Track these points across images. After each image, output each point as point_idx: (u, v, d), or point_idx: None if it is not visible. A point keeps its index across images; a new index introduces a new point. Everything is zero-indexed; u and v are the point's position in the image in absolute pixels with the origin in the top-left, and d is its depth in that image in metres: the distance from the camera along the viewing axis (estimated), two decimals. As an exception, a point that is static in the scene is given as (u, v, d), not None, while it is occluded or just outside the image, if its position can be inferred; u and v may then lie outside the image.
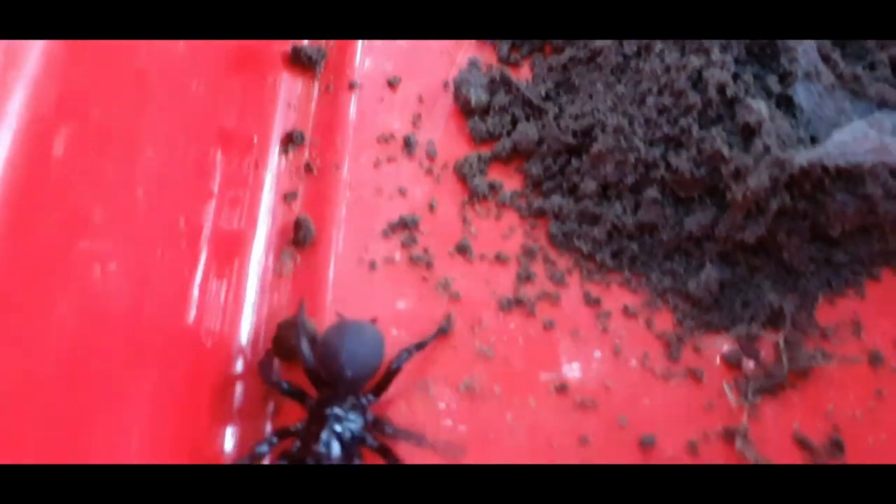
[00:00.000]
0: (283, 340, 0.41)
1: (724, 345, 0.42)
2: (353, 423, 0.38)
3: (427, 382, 0.41)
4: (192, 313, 0.39)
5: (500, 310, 0.43)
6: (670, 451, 0.40)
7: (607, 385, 0.41)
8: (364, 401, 0.39)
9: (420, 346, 0.41)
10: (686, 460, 0.40)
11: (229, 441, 0.40)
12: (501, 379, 0.42)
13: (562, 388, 0.41)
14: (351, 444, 0.38)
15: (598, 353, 0.42)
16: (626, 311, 0.43)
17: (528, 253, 0.44)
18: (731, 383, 0.41)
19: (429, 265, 0.44)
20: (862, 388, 0.41)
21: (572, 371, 0.42)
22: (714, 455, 0.40)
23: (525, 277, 0.44)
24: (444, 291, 0.43)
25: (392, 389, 0.40)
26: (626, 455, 0.40)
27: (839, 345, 0.42)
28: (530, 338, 0.42)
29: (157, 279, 0.37)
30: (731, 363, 0.42)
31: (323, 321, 0.42)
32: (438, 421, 0.41)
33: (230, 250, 0.43)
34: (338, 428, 0.38)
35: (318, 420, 0.38)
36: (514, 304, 0.43)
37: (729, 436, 0.40)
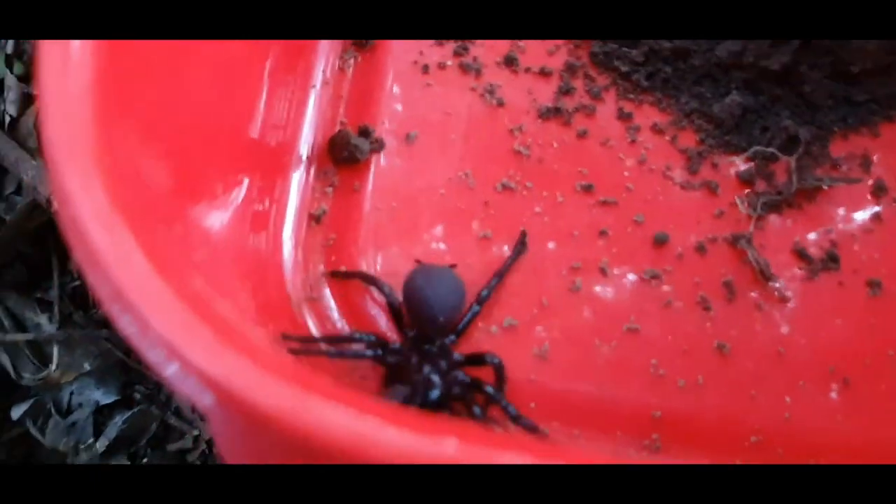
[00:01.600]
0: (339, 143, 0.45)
1: (740, 164, 0.46)
2: (443, 360, 0.41)
3: (469, 174, 0.46)
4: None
5: (539, 117, 0.47)
6: (680, 249, 0.45)
7: (629, 187, 0.46)
8: (447, 342, 0.41)
9: (499, 276, 0.43)
10: (694, 258, 0.44)
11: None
12: (534, 177, 0.46)
13: (587, 188, 0.46)
14: (447, 379, 0.40)
15: (624, 160, 0.46)
16: (655, 128, 0.47)
17: (570, 69, 0.48)
18: (742, 197, 0.46)
19: (478, 73, 0.48)
20: (863, 213, 0.45)
21: (598, 174, 0.46)
22: (719, 256, 0.45)
23: (565, 91, 0.48)
24: (490, 97, 0.48)
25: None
26: (639, 248, 0.45)
27: (849, 173, 0.46)
28: (564, 143, 0.47)
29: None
30: (745, 180, 0.46)
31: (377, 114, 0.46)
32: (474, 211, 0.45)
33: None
34: (434, 365, 0.40)
35: (417, 353, 0.40)
36: (553, 112, 0.47)
37: (735, 240, 0.45)
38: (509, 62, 0.48)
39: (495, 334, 0.43)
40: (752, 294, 0.44)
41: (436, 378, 0.40)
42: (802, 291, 0.44)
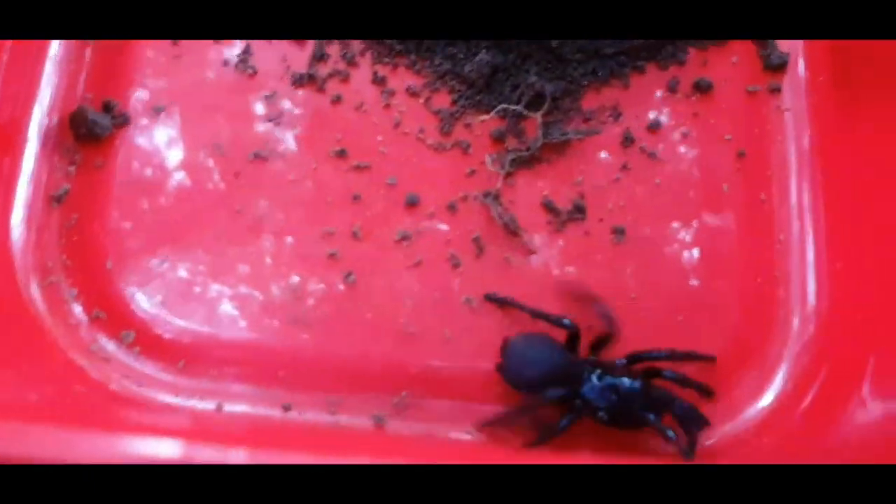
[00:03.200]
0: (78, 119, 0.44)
1: (492, 123, 0.47)
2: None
3: (221, 145, 0.46)
4: None
5: (293, 84, 0.47)
6: (432, 209, 0.46)
7: (382, 151, 0.46)
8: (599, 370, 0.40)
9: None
10: (445, 217, 0.45)
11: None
12: (288, 144, 0.46)
13: (341, 153, 0.46)
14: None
15: (379, 124, 0.47)
16: (409, 91, 0.48)
17: (324, 35, 0.48)
18: (493, 155, 0.47)
19: (230, 42, 0.48)
20: (610, 164, 0.47)
21: (352, 139, 0.46)
22: (469, 214, 0.46)
23: (319, 57, 0.48)
24: (243, 66, 0.47)
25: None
26: (392, 211, 0.45)
27: (598, 126, 0.47)
28: (318, 110, 0.47)
29: None
30: (496, 139, 0.47)
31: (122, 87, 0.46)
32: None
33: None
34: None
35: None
36: (307, 79, 0.47)
37: (486, 198, 0.46)
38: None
39: (258, 300, 0.44)
40: (501, 249, 0.45)
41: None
42: (549, 243, 0.45)
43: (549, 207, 0.46)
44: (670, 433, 0.38)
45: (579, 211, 0.46)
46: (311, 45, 0.48)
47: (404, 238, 0.45)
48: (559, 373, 0.40)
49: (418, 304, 0.44)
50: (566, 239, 0.46)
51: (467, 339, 0.44)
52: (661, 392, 0.40)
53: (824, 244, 0.45)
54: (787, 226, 0.46)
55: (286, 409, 0.42)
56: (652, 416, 0.39)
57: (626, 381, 0.40)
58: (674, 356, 0.42)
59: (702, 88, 0.48)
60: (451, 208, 0.46)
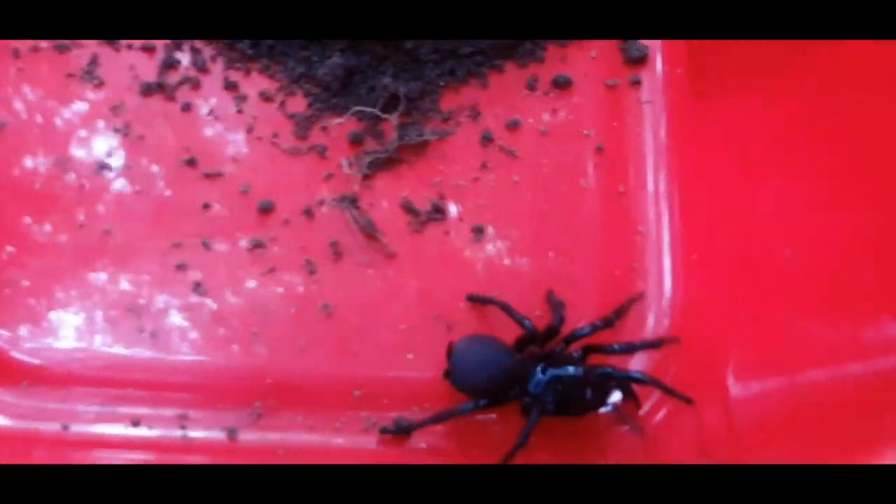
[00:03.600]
0: None
1: (349, 125, 0.46)
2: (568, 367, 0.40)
3: (65, 160, 0.44)
4: None
5: (141, 93, 0.46)
6: (286, 215, 0.45)
7: (235, 158, 0.45)
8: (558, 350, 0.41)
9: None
10: (300, 223, 0.44)
11: None
12: (135, 155, 0.45)
13: (191, 162, 0.45)
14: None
15: (231, 131, 0.46)
16: (263, 95, 0.47)
17: (175, 43, 0.47)
18: (350, 158, 0.46)
19: (76, 54, 0.46)
20: (469, 163, 0.46)
21: (203, 147, 0.45)
22: (327, 218, 0.45)
23: (169, 65, 0.47)
24: (89, 77, 0.46)
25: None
26: (244, 218, 0.44)
27: (457, 126, 0.47)
28: (168, 118, 0.46)
29: None
30: (354, 141, 0.46)
31: None
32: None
33: None
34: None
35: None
36: (156, 88, 0.46)
37: (341, 202, 0.45)
38: (110, 41, 0.47)
39: (102, 315, 0.43)
40: (359, 253, 0.44)
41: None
42: (409, 244, 0.45)
43: (408, 209, 0.45)
44: (613, 409, 0.39)
45: (438, 211, 0.45)
46: (160, 53, 0.47)
47: (257, 245, 0.44)
48: (506, 374, 0.40)
49: (272, 312, 0.43)
50: (426, 240, 0.45)
51: (323, 347, 0.43)
52: (599, 370, 0.40)
53: (680, 236, 0.45)
54: (644, 218, 0.46)
55: (135, 423, 0.41)
56: (598, 398, 0.39)
57: (570, 369, 0.40)
58: (605, 324, 0.42)
59: (560, 84, 0.48)
60: (308, 213, 0.45)
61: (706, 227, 0.44)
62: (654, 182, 0.46)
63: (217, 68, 0.47)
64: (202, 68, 0.47)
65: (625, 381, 0.39)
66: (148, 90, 0.46)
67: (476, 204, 0.46)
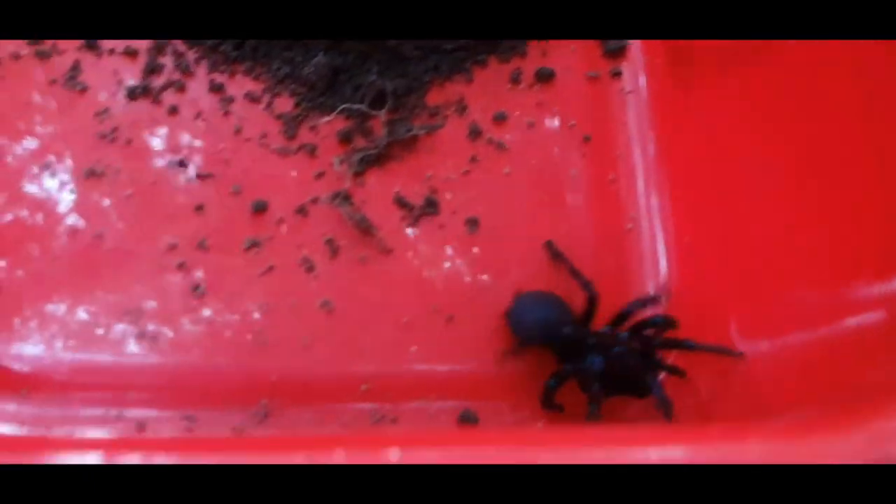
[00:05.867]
0: None
1: (337, 124, 0.46)
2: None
3: (51, 165, 0.44)
4: None
5: (127, 98, 0.45)
6: (280, 215, 0.44)
7: (224, 159, 0.45)
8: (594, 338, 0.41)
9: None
10: (295, 222, 0.44)
11: None
12: (123, 160, 0.44)
13: (180, 164, 0.44)
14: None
15: (219, 133, 0.45)
16: (249, 97, 0.46)
17: (158, 46, 0.47)
18: (341, 156, 0.46)
19: (58, 61, 0.46)
20: (459, 157, 0.47)
21: (192, 150, 0.45)
22: (320, 216, 0.44)
23: (152, 69, 0.46)
24: (71, 83, 0.45)
25: None
26: (238, 219, 0.44)
27: (444, 121, 0.47)
28: (155, 122, 0.45)
29: None
30: (344, 139, 0.46)
31: None
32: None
33: None
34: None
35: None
36: (141, 91, 0.46)
37: (334, 200, 0.45)
38: (91, 47, 0.46)
39: (100, 320, 0.42)
40: (355, 249, 0.44)
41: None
42: (404, 239, 0.45)
43: (401, 204, 0.45)
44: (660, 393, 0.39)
45: (431, 205, 0.46)
46: (143, 57, 0.46)
47: (253, 245, 0.44)
48: (563, 332, 0.41)
49: (272, 311, 0.43)
50: (420, 234, 0.45)
51: (326, 343, 0.42)
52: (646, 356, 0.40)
53: (671, 218, 0.46)
54: (635, 204, 0.46)
55: (140, 428, 0.40)
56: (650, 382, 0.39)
57: (627, 351, 0.40)
58: (645, 302, 0.42)
59: (544, 77, 0.49)
60: (301, 212, 0.44)
61: (696, 209, 0.45)
62: (643, 168, 0.47)
63: (201, 71, 0.47)
64: (186, 71, 0.47)
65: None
66: (133, 94, 0.46)
67: (468, 196, 0.46)
